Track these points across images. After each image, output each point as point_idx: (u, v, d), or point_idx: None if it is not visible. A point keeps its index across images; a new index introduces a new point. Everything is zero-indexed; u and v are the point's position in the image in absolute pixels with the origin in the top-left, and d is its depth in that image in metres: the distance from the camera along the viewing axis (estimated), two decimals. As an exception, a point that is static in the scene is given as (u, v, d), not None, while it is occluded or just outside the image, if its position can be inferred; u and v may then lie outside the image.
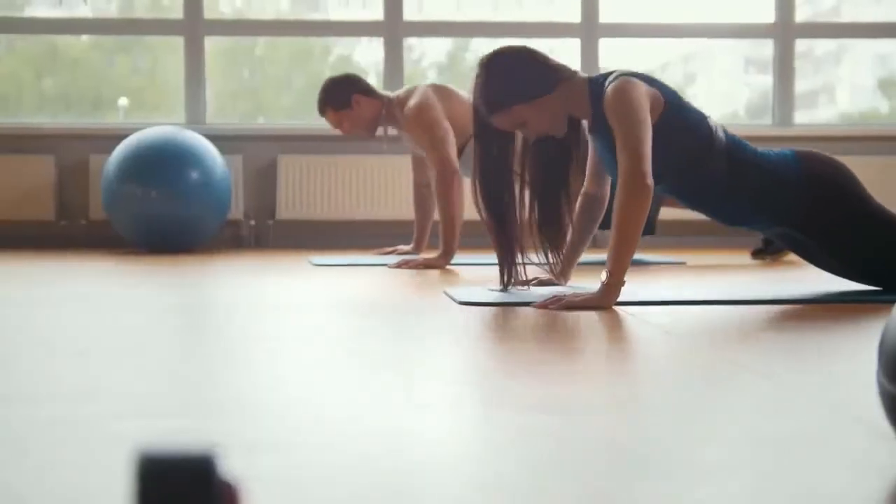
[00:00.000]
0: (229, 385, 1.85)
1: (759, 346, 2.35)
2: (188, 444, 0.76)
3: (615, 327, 2.59)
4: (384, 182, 6.32)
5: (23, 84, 7.39)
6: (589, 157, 3.28)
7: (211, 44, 6.67)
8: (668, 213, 4.79)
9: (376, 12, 6.60)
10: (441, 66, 7.86)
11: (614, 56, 7.39)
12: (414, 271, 4.39)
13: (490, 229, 3.18)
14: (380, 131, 5.05)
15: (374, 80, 6.25)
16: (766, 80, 6.80)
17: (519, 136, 3.17)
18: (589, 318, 2.68)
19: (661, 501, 1.13)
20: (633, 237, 2.84)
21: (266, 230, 6.41)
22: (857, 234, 3.10)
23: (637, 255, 5.16)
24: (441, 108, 4.74)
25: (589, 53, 6.58)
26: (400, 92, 4.98)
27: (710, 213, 3.22)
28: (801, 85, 6.80)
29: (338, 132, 6.52)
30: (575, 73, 3.13)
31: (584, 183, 3.30)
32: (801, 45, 6.76)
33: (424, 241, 5.29)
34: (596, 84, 3.08)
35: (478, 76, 3.11)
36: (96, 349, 2.26)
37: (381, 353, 2.22)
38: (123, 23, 7.00)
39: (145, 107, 7.04)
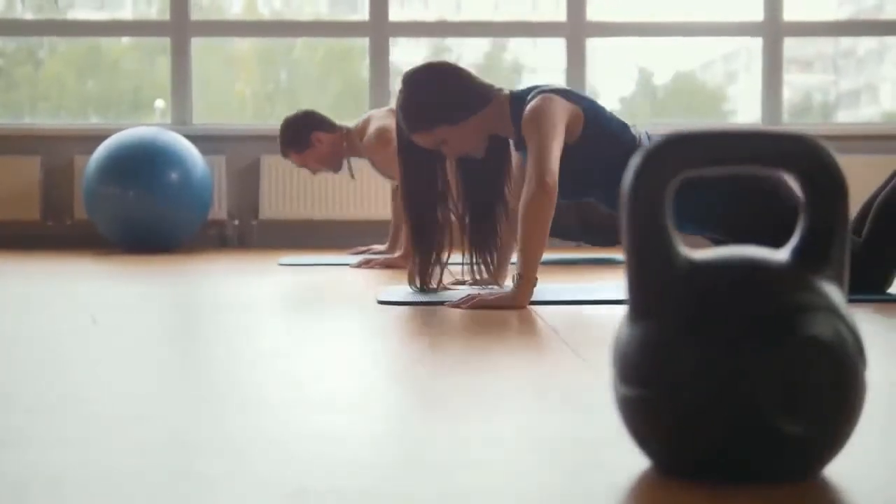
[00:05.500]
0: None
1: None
2: None
3: (515, 325, 2.59)
4: (367, 182, 6.33)
5: (65, 86, 7.48)
6: (516, 170, 3.29)
7: (247, 45, 6.68)
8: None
9: (427, 13, 6.60)
10: (479, 67, 7.87)
11: (648, 56, 7.36)
12: (377, 270, 4.44)
13: (411, 237, 3.20)
14: (344, 164, 5.07)
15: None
16: (809, 79, 6.74)
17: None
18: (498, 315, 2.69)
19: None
20: (539, 236, 2.84)
21: (250, 230, 6.45)
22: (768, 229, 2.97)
23: (610, 255, 5.18)
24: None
25: (575, 53, 6.56)
26: (358, 121, 4.99)
27: None
28: (843, 84, 6.70)
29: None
30: (500, 91, 3.12)
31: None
32: (844, 43, 6.65)
33: (398, 241, 5.29)
34: (517, 101, 3.06)
35: (401, 91, 3.10)
36: (34, 349, 2.29)
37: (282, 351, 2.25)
38: (113, 25, 7.06)
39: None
